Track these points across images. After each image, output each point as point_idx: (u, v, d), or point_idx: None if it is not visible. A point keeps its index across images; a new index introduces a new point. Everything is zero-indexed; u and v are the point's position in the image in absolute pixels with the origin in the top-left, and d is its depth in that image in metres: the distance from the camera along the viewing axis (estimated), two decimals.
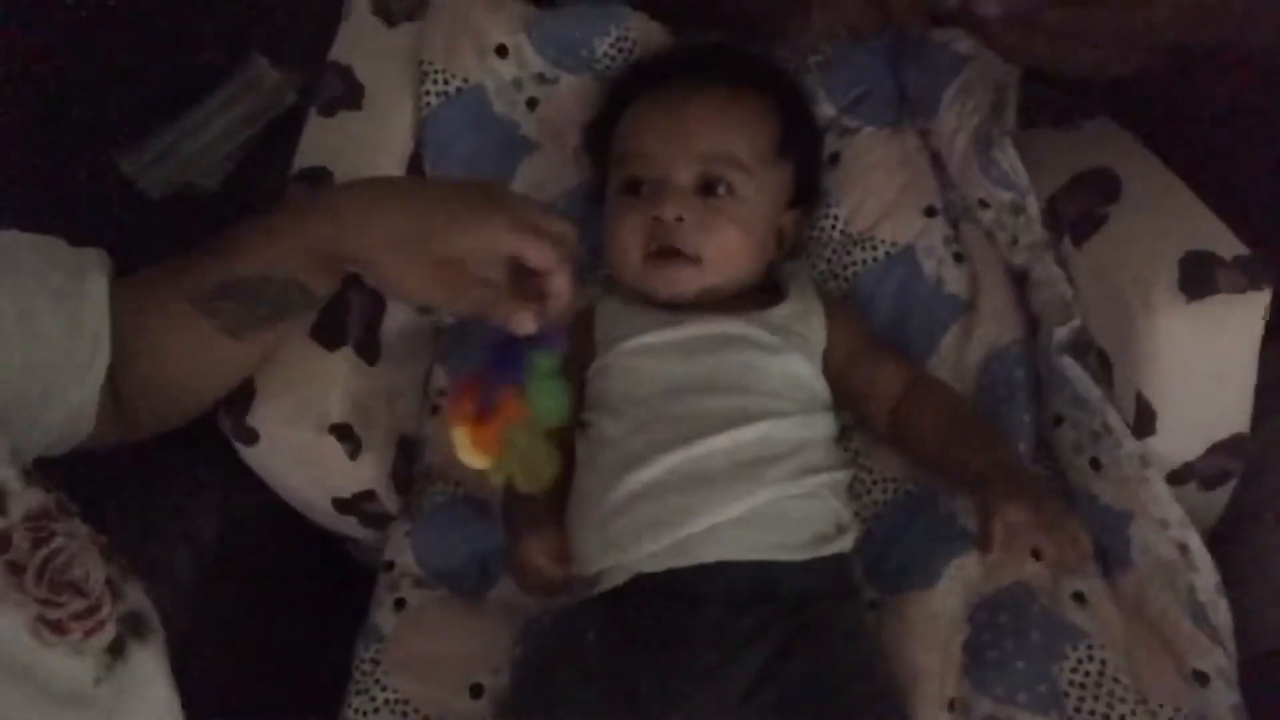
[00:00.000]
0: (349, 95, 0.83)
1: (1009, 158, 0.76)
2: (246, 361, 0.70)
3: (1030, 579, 0.72)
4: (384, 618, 0.76)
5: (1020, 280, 0.80)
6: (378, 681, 0.72)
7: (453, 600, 0.76)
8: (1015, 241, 0.79)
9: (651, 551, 0.66)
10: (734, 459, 0.68)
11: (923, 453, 0.74)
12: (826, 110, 0.85)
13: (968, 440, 0.71)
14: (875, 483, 0.77)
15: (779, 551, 0.67)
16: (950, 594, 0.70)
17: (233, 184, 0.89)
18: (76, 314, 0.61)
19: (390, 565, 0.79)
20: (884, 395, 0.74)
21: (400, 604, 0.76)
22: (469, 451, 0.60)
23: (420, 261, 0.61)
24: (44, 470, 0.57)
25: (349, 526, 0.80)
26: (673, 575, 0.66)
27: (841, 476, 0.72)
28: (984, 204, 0.80)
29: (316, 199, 0.68)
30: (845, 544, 0.70)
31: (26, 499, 0.52)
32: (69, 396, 0.61)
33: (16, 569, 0.50)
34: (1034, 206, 0.76)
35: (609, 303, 0.79)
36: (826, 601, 0.67)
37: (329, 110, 0.83)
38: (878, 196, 0.82)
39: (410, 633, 0.74)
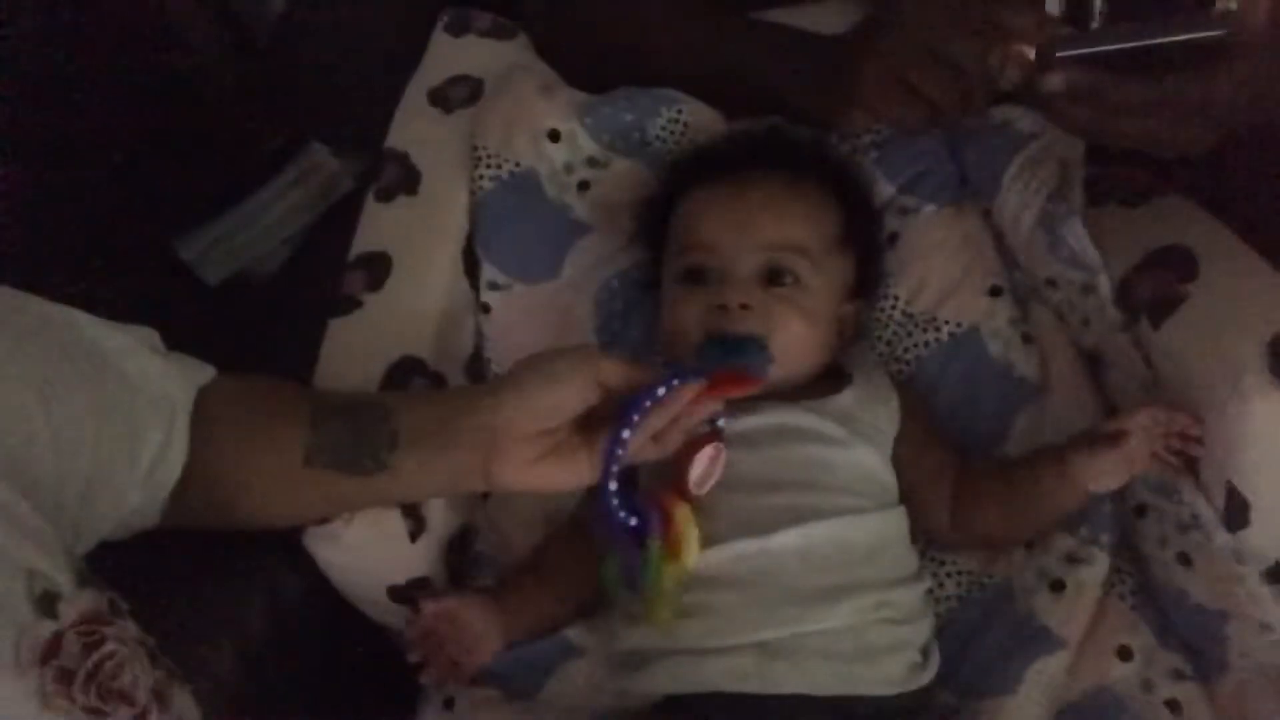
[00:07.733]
0: (405, 181, 0.84)
1: (1078, 236, 0.74)
2: (317, 508, 0.70)
3: (1117, 684, 0.67)
4: (432, 718, 0.73)
5: (1093, 362, 0.77)
6: None
7: (503, 703, 0.73)
8: (1087, 323, 0.76)
9: (730, 666, 0.63)
10: (807, 560, 0.65)
11: (999, 529, 0.72)
12: (884, 189, 0.83)
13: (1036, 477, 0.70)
14: (949, 575, 0.73)
15: (869, 686, 0.63)
16: (1032, 701, 0.66)
17: (290, 270, 0.89)
18: (143, 423, 0.61)
19: None
20: (946, 487, 0.72)
21: (449, 703, 0.73)
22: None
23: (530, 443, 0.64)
24: (95, 565, 0.55)
25: (400, 617, 0.78)
26: (744, 700, 0.63)
27: (924, 585, 0.69)
28: (1052, 284, 0.78)
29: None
30: (933, 669, 0.67)
31: (80, 602, 0.51)
32: (130, 499, 0.61)
33: (67, 675, 0.48)
34: (1105, 287, 0.73)
35: None
36: None
37: (386, 196, 0.83)
38: (939, 276, 0.80)
39: None
